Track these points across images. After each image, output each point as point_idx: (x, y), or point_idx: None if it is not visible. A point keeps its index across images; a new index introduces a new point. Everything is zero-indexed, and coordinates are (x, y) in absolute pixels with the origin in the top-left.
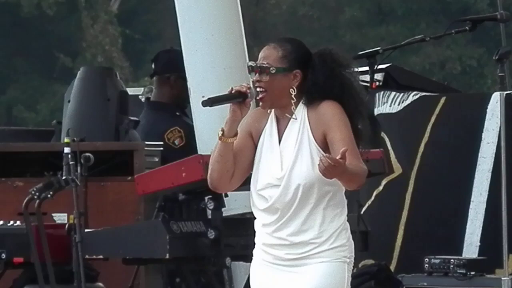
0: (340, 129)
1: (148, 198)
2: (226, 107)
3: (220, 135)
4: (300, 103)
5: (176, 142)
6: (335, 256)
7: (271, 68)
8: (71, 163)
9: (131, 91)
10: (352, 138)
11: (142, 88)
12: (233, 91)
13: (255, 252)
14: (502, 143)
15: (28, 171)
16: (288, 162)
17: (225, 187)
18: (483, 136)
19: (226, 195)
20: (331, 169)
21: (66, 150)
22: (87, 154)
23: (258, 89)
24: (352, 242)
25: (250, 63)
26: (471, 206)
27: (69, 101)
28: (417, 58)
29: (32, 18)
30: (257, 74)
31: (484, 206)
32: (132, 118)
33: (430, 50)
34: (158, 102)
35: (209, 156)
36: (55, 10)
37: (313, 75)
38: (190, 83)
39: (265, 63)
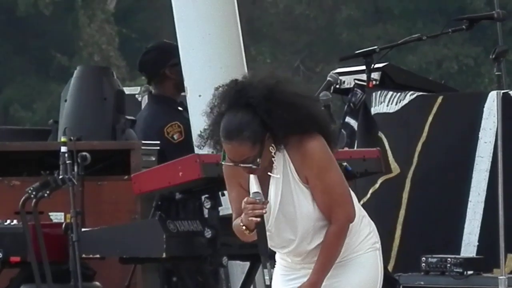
0: (322, 176)
1: (144, 197)
2: None
3: (244, 229)
4: (278, 152)
5: (175, 136)
6: (366, 247)
7: (257, 160)
8: (67, 162)
9: (127, 90)
10: (336, 180)
11: (139, 87)
12: (254, 227)
13: (277, 258)
14: (499, 142)
15: (25, 170)
16: (275, 214)
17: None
18: (480, 135)
19: (223, 194)
20: None
21: (63, 149)
22: (84, 153)
23: (251, 173)
24: (374, 226)
25: (229, 164)
26: (469, 206)
27: (65, 100)
28: (414, 57)
29: (28, 17)
30: (244, 168)
31: (482, 205)
32: (128, 117)
33: (427, 49)
34: (161, 95)
35: (205, 155)
36: (51, 9)
37: (270, 121)
38: (186, 82)
39: (247, 161)
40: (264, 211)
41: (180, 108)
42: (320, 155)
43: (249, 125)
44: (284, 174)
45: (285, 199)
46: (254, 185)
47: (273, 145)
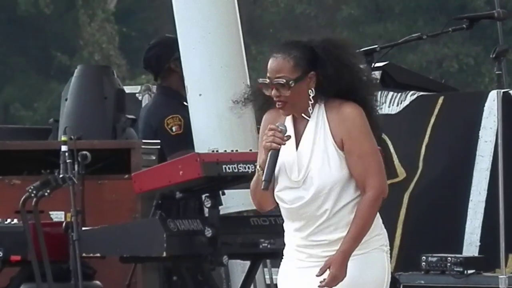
0: (359, 141)
1: (145, 196)
2: (225, 108)
3: (260, 173)
4: (317, 103)
5: (174, 128)
6: (372, 246)
7: (290, 82)
8: (68, 161)
9: (128, 89)
10: (372, 149)
11: (139, 86)
12: (269, 152)
13: (286, 251)
14: (500, 141)
15: (25, 169)
16: (305, 165)
17: (272, 205)
18: (480, 134)
19: (224, 193)
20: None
21: (63, 148)
22: (84, 152)
23: (278, 103)
24: (385, 230)
25: (264, 81)
26: (470, 206)
27: (66, 99)
28: (414, 56)
29: (29, 16)
30: (274, 90)
31: (483, 205)
32: (129, 116)
33: (427, 48)
34: (169, 87)
35: (206, 154)
36: (52, 8)
37: (322, 69)
38: (187, 81)
39: (281, 79)
40: (283, 142)
41: (185, 103)
42: (361, 121)
43: (300, 51)
44: (317, 128)
45: (314, 152)
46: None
47: (313, 88)
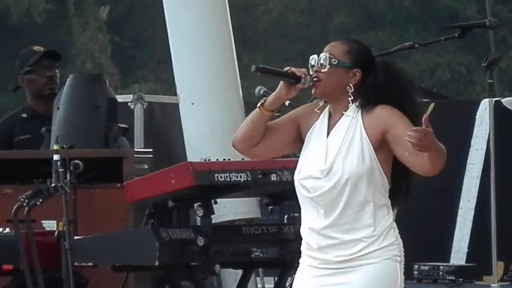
0: (404, 123)
1: (137, 205)
2: (217, 117)
3: (260, 104)
4: (354, 104)
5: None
6: (385, 256)
7: (333, 60)
8: (60, 170)
9: (120, 98)
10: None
11: (132, 95)
12: (289, 71)
13: (301, 260)
14: (491, 150)
15: (17, 178)
16: (333, 156)
17: (242, 149)
18: (472, 142)
19: (216, 202)
20: (423, 138)
21: (55, 157)
22: (76, 161)
23: (314, 78)
24: (401, 241)
25: (313, 56)
26: (459, 213)
27: (58, 108)
28: (407, 65)
29: (21, 25)
30: (317, 64)
31: (472, 212)
32: (121, 125)
33: (419, 57)
34: (27, 103)
35: (198, 163)
36: (44, 17)
37: (374, 76)
38: (179, 90)
39: (328, 54)
40: (302, 75)
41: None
42: (397, 112)
43: (360, 48)
44: (350, 123)
45: (338, 136)
46: (322, 125)
47: (352, 85)
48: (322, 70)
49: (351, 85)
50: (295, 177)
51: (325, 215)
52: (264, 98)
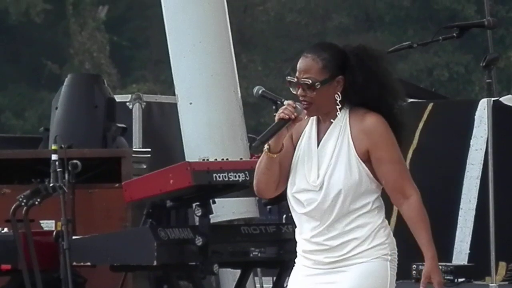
0: (388, 148)
1: (135, 205)
2: (215, 117)
3: (266, 150)
4: (343, 109)
5: None
6: (374, 255)
7: (316, 84)
8: (58, 170)
9: (118, 98)
10: (401, 157)
11: (130, 95)
12: (280, 119)
13: (296, 260)
14: (490, 150)
15: (16, 178)
16: (324, 168)
17: (271, 194)
18: (471, 143)
19: (214, 202)
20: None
21: (54, 157)
22: (75, 161)
23: (303, 103)
24: (394, 239)
25: (290, 79)
26: (460, 214)
27: (56, 108)
28: (405, 64)
29: (19, 25)
30: (300, 89)
31: (473, 213)
32: (119, 125)
33: (418, 56)
34: None
35: (196, 163)
36: (42, 17)
37: (351, 75)
38: (177, 90)
39: (308, 79)
40: (292, 116)
41: None
42: (386, 130)
43: (331, 54)
44: (339, 133)
45: (329, 147)
46: (311, 134)
47: (339, 93)
48: (309, 95)
49: (338, 93)
50: (288, 190)
51: (317, 226)
52: (267, 146)
